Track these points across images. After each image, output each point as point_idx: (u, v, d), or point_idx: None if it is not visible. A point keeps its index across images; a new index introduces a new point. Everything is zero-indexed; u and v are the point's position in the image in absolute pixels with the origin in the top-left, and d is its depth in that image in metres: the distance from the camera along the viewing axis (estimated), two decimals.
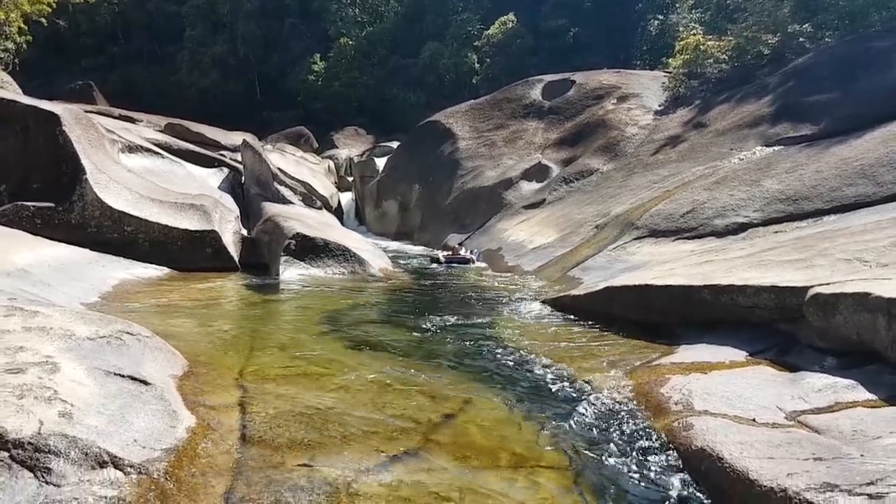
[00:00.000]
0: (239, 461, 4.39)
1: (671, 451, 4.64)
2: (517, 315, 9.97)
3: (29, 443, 3.92)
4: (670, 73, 23.16)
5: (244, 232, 15.77)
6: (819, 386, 5.02)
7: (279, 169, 20.42)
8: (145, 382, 5.23)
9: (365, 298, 11.48)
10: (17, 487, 3.68)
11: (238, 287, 12.16)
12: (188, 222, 13.75)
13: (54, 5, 33.88)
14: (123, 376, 5.23)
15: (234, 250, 14.44)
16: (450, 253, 18.45)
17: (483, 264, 17.09)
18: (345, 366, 6.84)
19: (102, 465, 3.94)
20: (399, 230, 25.12)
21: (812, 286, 5.89)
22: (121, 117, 27.06)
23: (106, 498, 3.64)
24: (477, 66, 48.69)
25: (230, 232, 14.79)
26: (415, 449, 4.80)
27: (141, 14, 53.85)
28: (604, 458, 4.77)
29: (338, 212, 26.56)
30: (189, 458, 4.33)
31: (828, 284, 5.74)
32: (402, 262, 17.46)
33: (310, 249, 14.01)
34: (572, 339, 8.24)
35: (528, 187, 20.77)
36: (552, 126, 23.35)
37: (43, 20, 33.47)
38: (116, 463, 3.98)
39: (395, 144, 32.70)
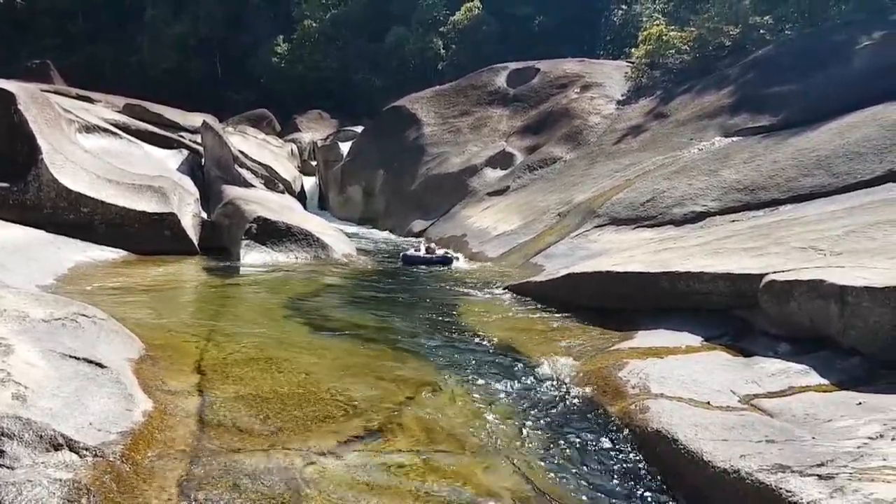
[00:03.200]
0: (197, 445, 4.35)
1: (627, 434, 4.72)
2: (480, 301, 10.00)
3: None
4: (633, 63, 23.34)
5: (204, 215, 15.53)
6: (772, 371, 5.14)
7: (241, 151, 20.17)
8: (101, 365, 5.14)
9: (327, 283, 11.40)
10: None
11: (198, 271, 12.00)
12: (146, 204, 13.51)
13: None
14: (79, 359, 5.14)
15: (193, 233, 14.23)
16: (423, 251, 15.26)
17: (464, 265, 14.68)
18: (306, 350, 6.82)
19: (57, 447, 3.88)
20: (363, 216, 24.98)
21: (767, 273, 6.02)
22: (78, 97, 26.34)
23: (61, 481, 3.58)
24: (442, 51, 48.47)
25: (189, 215, 14.56)
26: (375, 432, 4.80)
27: None
28: (561, 440, 4.82)
29: (301, 196, 26.27)
30: (146, 441, 4.28)
31: (782, 272, 5.87)
32: (365, 247, 17.31)
33: (271, 233, 13.86)
34: (534, 324, 8.30)
35: (493, 174, 20.81)
36: (517, 114, 23.41)
37: None
38: (71, 446, 3.92)
39: (359, 129, 32.44)
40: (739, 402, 4.66)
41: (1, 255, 9.67)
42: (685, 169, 13.64)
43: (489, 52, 38.77)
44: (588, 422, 5.12)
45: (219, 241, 14.62)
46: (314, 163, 33.93)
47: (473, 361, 6.76)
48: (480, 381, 6.10)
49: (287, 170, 26.75)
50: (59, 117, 14.45)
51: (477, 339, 7.61)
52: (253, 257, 13.22)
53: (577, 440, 4.81)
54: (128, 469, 3.87)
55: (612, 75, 23.40)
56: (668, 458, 4.16)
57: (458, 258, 15.04)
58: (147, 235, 13.26)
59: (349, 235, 17.88)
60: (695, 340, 6.42)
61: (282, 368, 6.04)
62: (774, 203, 11.15)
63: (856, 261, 5.73)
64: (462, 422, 5.11)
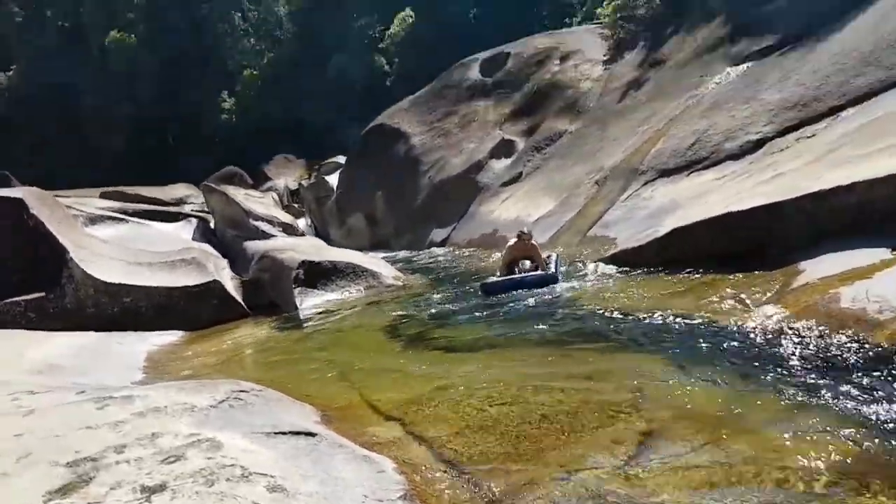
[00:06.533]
0: (477, 490, 3.82)
1: None
2: (581, 283, 9.50)
3: None
4: (602, 23, 23.06)
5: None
6: None
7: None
8: (310, 434, 4.61)
9: (406, 306, 10.83)
10: None
11: (267, 330, 11.33)
12: (186, 278, 12.82)
13: None
14: (285, 433, 4.61)
15: (238, 296, 13.58)
16: (519, 267, 10.78)
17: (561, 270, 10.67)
18: (459, 373, 6.19)
19: None
20: (372, 242, 24.22)
21: None
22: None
23: None
24: (387, 67, 48.19)
25: (229, 278, 13.93)
26: (645, 434, 4.20)
27: (34, 93, 50.86)
28: (839, 390, 4.25)
29: None
30: (424, 499, 3.74)
31: None
32: (405, 268, 16.66)
33: (320, 274, 13.30)
34: (669, 288, 7.85)
35: (499, 165, 20.33)
36: (502, 101, 22.94)
37: None
38: None
39: (341, 159, 31.81)
40: None
41: (77, 364, 9.02)
42: (717, 104, 13.32)
43: (434, 56, 38.25)
44: (855, 363, 4.61)
45: (263, 299, 13.90)
46: (296, 205, 33.37)
47: (648, 339, 6.21)
48: (681, 356, 5.49)
49: (283, 216, 26.10)
50: (68, 214, 13.75)
51: (625, 318, 7.07)
52: (309, 303, 12.66)
53: (860, 384, 4.30)
54: None
55: (585, 39, 23.09)
56: None
57: (558, 265, 10.67)
58: (196, 309, 12.56)
59: None
60: (881, 254, 5.96)
61: (459, 396, 5.48)
62: (833, 111, 10.81)
63: None
64: (715, 404, 4.47)
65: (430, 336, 8.41)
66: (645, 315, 6.94)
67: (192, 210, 21.05)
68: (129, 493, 3.67)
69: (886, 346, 4.54)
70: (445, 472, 4.14)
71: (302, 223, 30.51)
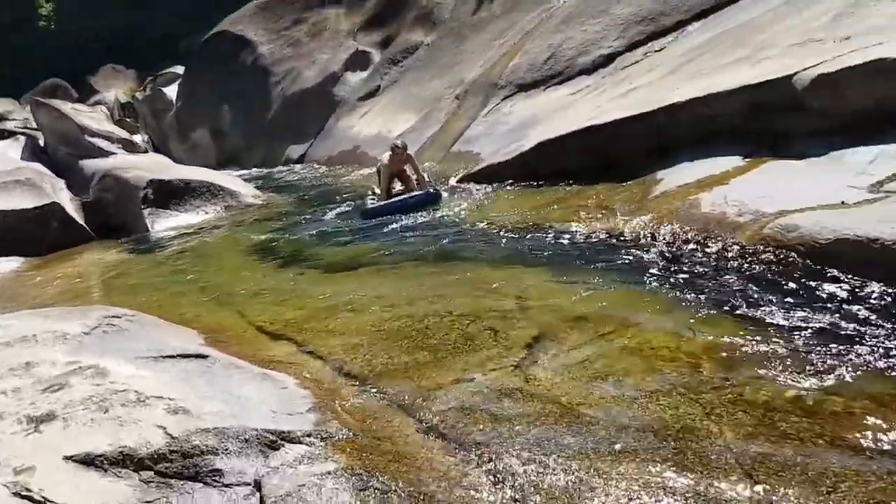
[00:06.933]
0: (386, 398, 3.88)
1: (787, 256, 4.64)
2: (451, 199, 9.54)
3: (171, 451, 3.23)
4: None
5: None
6: (869, 158, 5.19)
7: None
8: (202, 356, 4.47)
9: (270, 228, 10.38)
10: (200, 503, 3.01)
11: (118, 253, 10.65)
12: (21, 200, 11.79)
13: None
14: (172, 357, 4.46)
15: (79, 219, 12.64)
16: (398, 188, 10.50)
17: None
18: (344, 291, 6.05)
19: (273, 446, 3.32)
20: (220, 158, 22.83)
21: (796, 73, 6.06)
22: None
23: (331, 473, 3.04)
24: None
25: (68, 200, 12.92)
26: (536, 336, 4.38)
27: None
28: (714, 287, 4.65)
29: None
30: (334, 411, 3.75)
31: (819, 65, 5.92)
32: (262, 186, 15.97)
33: (171, 194, 12.58)
34: (534, 201, 8.05)
35: (355, 78, 19.74)
36: (354, 9, 21.99)
37: None
38: (287, 437, 3.38)
39: (179, 70, 29.64)
40: (870, 191, 4.72)
41: None
42: (571, 17, 13.51)
43: None
44: (720, 263, 5.00)
45: (106, 220, 13.02)
46: (129, 120, 31.02)
47: (528, 251, 6.34)
48: (560, 265, 5.72)
49: (120, 131, 24.21)
50: None
51: (503, 231, 7.18)
52: (162, 225, 12.03)
53: (727, 282, 4.70)
54: (367, 441, 3.38)
55: None
56: (879, 261, 4.12)
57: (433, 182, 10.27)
58: (34, 234, 11.62)
59: None
60: (735, 161, 6.38)
61: (352, 311, 5.46)
62: (680, 25, 11.29)
63: (880, 37, 5.85)
64: (597, 306, 4.70)
65: (305, 256, 8.17)
66: (521, 228, 7.15)
67: (15, 127, 19.05)
68: (14, 425, 3.47)
69: (747, 245, 4.96)
70: (349, 384, 4.16)
71: (138, 139, 28.48)
